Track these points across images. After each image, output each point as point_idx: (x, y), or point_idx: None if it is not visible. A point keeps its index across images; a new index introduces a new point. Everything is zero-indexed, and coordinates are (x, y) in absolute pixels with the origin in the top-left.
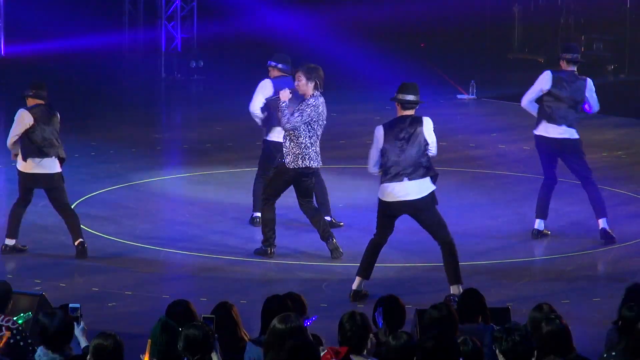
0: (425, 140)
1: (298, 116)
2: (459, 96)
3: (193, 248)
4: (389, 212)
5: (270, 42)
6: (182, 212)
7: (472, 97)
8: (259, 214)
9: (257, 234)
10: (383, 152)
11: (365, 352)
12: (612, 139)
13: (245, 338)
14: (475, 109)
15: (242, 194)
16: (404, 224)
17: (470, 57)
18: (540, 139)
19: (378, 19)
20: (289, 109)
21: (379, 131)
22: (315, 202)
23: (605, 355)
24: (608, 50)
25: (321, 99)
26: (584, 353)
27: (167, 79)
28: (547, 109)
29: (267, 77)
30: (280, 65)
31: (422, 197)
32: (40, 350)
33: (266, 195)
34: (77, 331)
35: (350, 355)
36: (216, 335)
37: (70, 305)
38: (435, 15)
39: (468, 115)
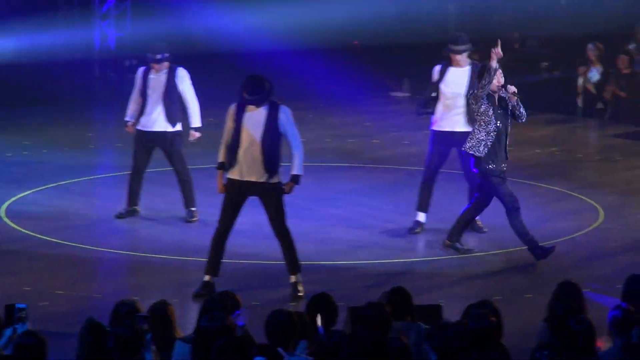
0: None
1: None
2: (392, 93)
3: (125, 247)
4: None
5: (205, 40)
6: (115, 211)
7: (406, 94)
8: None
9: (190, 232)
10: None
11: (296, 350)
12: (546, 135)
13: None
14: (409, 106)
15: (176, 193)
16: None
17: (404, 54)
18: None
19: (312, 17)
20: None
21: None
22: None
23: (536, 352)
24: (542, 47)
25: None
26: (515, 349)
27: (101, 77)
28: None
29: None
30: None
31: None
32: None
33: None
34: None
35: (281, 352)
36: (150, 334)
37: (17, 305)
38: (370, 11)
39: (401, 112)
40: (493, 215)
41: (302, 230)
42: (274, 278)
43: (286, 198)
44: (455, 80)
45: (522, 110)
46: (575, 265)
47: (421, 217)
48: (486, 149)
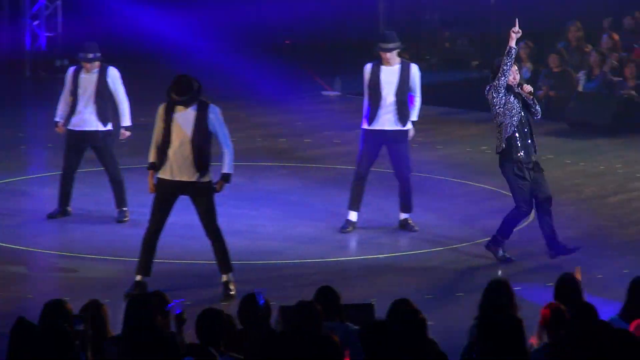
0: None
1: None
2: (323, 92)
3: (57, 247)
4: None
5: (136, 40)
6: (46, 212)
7: (337, 93)
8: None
9: (122, 232)
10: None
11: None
12: (476, 133)
13: None
14: (340, 105)
15: (107, 193)
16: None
17: (335, 53)
18: None
19: (242, 16)
20: None
21: None
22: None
23: (467, 349)
24: (472, 45)
25: None
26: (446, 348)
27: (32, 77)
28: None
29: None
30: None
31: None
32: None
33: None
34: None
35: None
36: (84, 334)
37: None
38: (300, 11)
39: (333, 111)
40: (424, 213)
41: (234, 229)
42: (205, 277)
43: (218, 197)
44: (386, 79)
45: (537, 107)
46: (506, 263)
47: (352, 216)
48: (517, 140)
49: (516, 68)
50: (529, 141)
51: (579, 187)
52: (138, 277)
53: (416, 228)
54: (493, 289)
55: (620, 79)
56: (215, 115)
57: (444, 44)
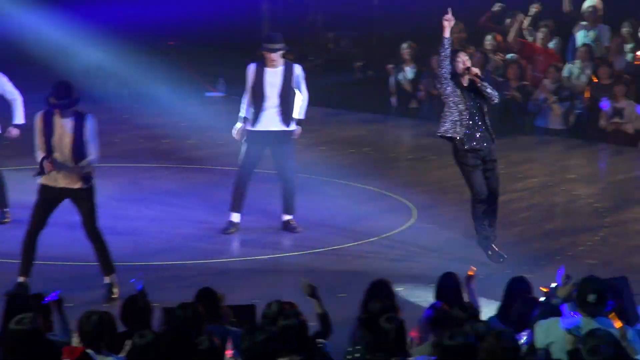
0: None
1: None
2: (207, 94)
3: None
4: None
5: (21, 43)
6: None
7: (221, 94)
8: None
9: (3, 233)
10: None
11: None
12: (359, 135)
13: None
14: (223, 106)
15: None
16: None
17: (219, 54)
18: None
19: (126, 17)
20: None
21: None
22: None
23: (350, 350)
24: (356, 47)
25: None
26: (329, 348)
27: None
28: None
29: None
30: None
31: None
32: None
33: None
34: None
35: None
36: None
37: None
38: (185, 12)
39: (216, 112)
40: (307, 214)
41: (117, 230)
42: (88, 279)
43: (101, 199)
44: (270, 80)
45: (489, 90)
46: (389, 264)
47: (235, 217)
48: (463, 128)
49: (467, 57)
50: (478, 131)
51: (461, 188)
52: (21, 279)
53: (299, 229)
54: (375, 289)
55: (503, 79)
56: (91, 125)
57: (327, 45)
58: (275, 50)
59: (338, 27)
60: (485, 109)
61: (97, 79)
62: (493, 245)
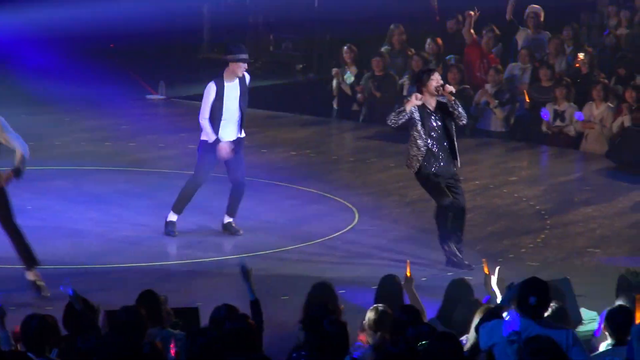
0: None
1: None
2: (148, 96)
3: None
4: None
5: None
6: None
7: (162, 97)
8: None
9: None
10: None
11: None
12: (301, 137)
13: None
14: (164, 109)
15: None
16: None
17: (160, 57)
18: None
19: (67, 20)
20: None
21: None
22: None
23: (293, 355)
24: (297, 49)
25: None
26: (273, 351)
27: None
28: None
29: None
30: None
31: None
32: None
33: None
34: None
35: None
36: None
37: None
38: (125, 14)
39: (157, 115)
40: (250, 216)
41: (59, 234)
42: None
43: (44, 202)
44: (230, 94)
45: (460, 110)
46: (331, 266)
47: (173, 217)
48: (418, 163)
49: (439, 76)
50: (438, 159)
51: (403, 190)
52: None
53: (241, 232)
54: (317, 292)
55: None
56: (2, 125)
57: (268, 48)
58: (243, 61)
59: (279, 30)
60: (453, 131)
61: (39, 81)
62: (460, 256)
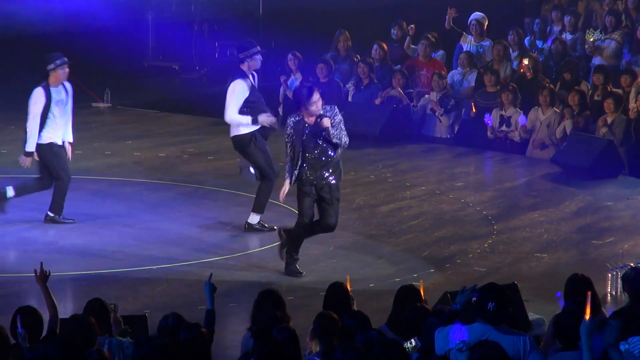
0: None
1: None
2: (94, 104)
3: None
4: None
5: None
6: None
7: (107, 104)
8: None
9: None
10: None
11: None
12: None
13: None
14: (110, 116)
15: None
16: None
17: (106, 64)
18: None
19: (11, 24)
20: None
21: None
22: None
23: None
24: None
25: None
26: (220, 359)
27: None
28: None
29: None
30: None
31: None
32: None
33: None
34: None
35: None
36: None
37: None
38: (70, 20)
39: (103, 123)
40: (197, 224)
41: (4, 242)
42: None
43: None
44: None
45: (336, 141)
46: (278, 273)
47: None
48: (293, 177)
49: (318, 98)
50: (316, 174)
51: (350, 197)
52: None
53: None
54: (264, 299)
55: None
56: None
57: (214, 55)
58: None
59: (224, 37)
60: (330, 152)
61: None
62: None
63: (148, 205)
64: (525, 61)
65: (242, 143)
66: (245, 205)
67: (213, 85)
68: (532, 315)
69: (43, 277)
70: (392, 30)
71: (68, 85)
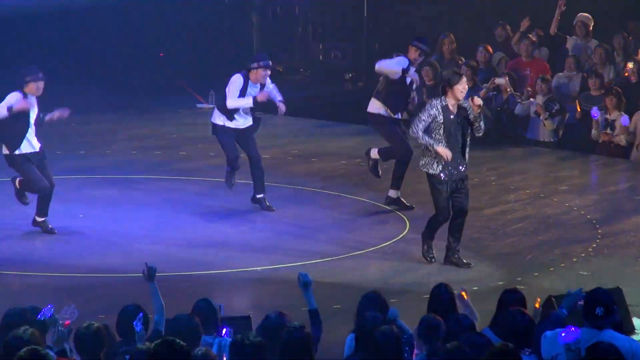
0: None
1: None
2: (198, 105)
3: None
4: None
5: None
6: None
7: (212, 105)
8: None
9: None
10: None
11: None
12: (350, 146)
13: None
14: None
15: None
16: None
17: (210, 66)
18: None
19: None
20: None
21: None
22: None
23: None
24: (346, 58)
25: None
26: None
27: None
28: None
29: None
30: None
31: None
32: None
33: None
34: None
35: None
36: None
37: None
38: (175, 23)
39: (208, 124)
40: (299, 225)
41: (109, 242)
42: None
43: (94, 210)
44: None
45: (481, 123)
46: (382, 275)
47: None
48: (440, 166)
49: (465, 80)
50: (455, 163)
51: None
52: None
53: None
54: (368, 301)
55: (492, 93)
56: None
57: (318, 57)
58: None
59: (328, 39)
60: (468, 138)
61: (89, 90)
62: (457, 256)
63: (252, 206)
64: (630, 65)
65: (378, 120)
66: (347, 207)
67: (316, 87)
68: (636, 320)
69: (150, 277)
70: (496, 32)
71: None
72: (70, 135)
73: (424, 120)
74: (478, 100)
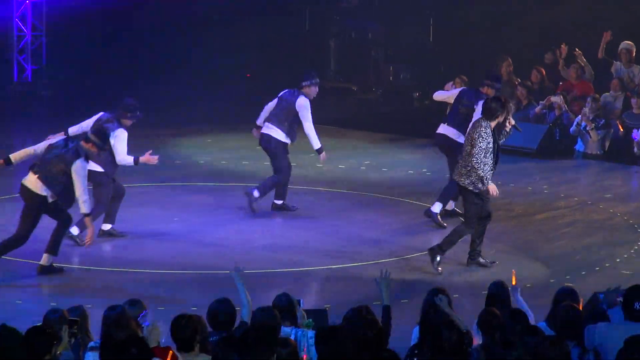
0: None
1: None
2: None
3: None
4: None
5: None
6: None
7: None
8: None
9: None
10: None
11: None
12: (418, 157)
13: None
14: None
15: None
16: None
17: (291, 86)
18: None
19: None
20: None
21: None
22: None
23: (411, 352)
24: (413, 79)
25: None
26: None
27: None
28: None
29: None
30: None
31: None
32: None
33: None
34: None
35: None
36: None
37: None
38: (256, 44)
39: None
40: (372, 228)
41: (203, 243)
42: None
43: (189, 215)
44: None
45: (503, 139)
46: (446, 273)
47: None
48: (488, 182)
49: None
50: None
51: (509, 206)
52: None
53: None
54: (430, 297)
55: (546, 110)
56: None
57: (388, 78)
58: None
59: (397, 61)
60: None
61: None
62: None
63: (329, 210)
64: None
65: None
66: (415, 212)
67: (387, 104)
68: None
69: (238, 273)
70: (546, 55)
71: None
72: (167, 147)
73: (484, 149)
74: (512, 121)
